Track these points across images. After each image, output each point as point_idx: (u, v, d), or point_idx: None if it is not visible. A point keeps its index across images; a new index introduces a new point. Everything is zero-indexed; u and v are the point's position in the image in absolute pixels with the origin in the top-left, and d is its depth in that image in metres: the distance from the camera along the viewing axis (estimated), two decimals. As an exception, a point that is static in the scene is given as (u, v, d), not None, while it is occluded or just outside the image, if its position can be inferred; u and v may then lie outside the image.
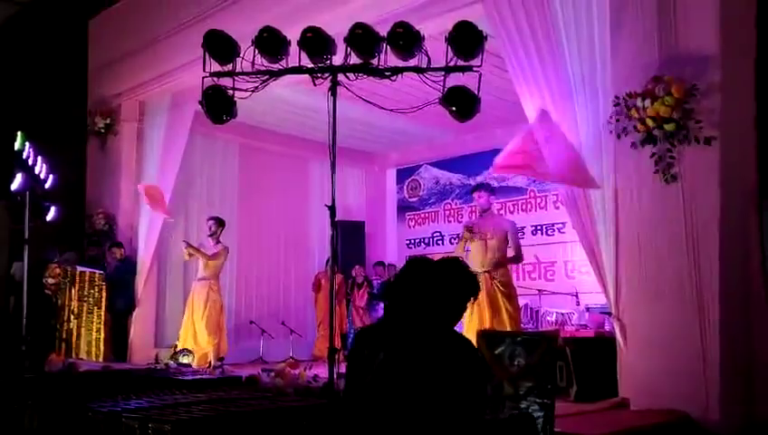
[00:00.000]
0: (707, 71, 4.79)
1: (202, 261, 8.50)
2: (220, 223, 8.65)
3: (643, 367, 5.03)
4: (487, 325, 6.34)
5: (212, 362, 8.00)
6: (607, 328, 6.48)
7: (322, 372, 5.85)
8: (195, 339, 8.26)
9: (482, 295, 6.45)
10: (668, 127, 4.79)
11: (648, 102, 4.86)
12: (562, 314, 8.66)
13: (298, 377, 6.17)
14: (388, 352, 2.23)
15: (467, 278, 2.44)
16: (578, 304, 8.69)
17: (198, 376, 6.80)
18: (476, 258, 6.70)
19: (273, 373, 6.45)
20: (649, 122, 4.84)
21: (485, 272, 6.57)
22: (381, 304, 10.81)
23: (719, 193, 4.76)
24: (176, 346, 8.27)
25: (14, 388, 5.83)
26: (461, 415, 2.16)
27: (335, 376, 4.63)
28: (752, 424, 4.79)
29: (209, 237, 8.62)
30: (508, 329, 6.36)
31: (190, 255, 8.54)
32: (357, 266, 10.81)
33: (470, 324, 6.43)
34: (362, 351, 2.36)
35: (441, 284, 2.34)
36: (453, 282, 2.37)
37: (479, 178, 10.99)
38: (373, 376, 2.21)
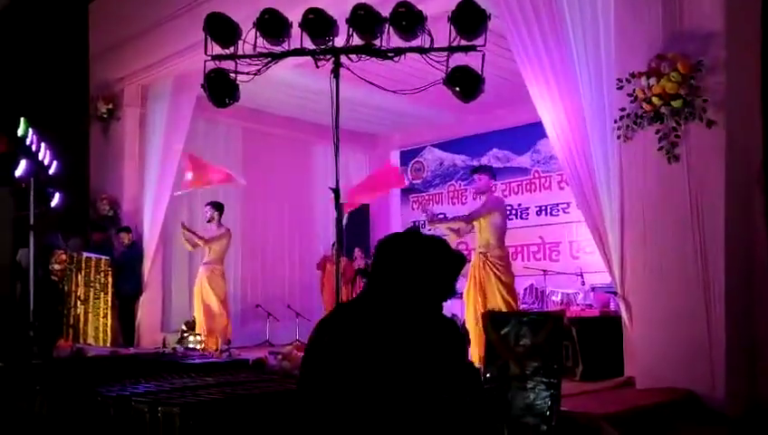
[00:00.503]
0: (712, 48, 4.75)
1: (201, 244, 8.51)
2: (218, 207, 8.64)
3: (648, 346, 5.04)
4: (476, 306, 6.26)
5: (223, 344, 8.05)
6: (612, 308, 6.49)
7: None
8: (207, 321, 8.31)
9: (472, 277, 6.42)
10: (675, 103, 4.76)
11: (653, 81, 4.82)
12: (568, 294, 8.64)
13: (304, 359, 6.19)
14: (361, 336, 1.98)
15: (451, 256, 2.18)
16: (583, 283, 8.69)
17: (206, 360, 6.84)
18: (477, 238, 6.65)
19: (279, 356, 6.48)
20: (655, 100, 4.80)
21: (480, 253, 6.53)
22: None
23: (724, 172, 4.73)
24: (183, 330, 8.30)
25: (22, 374, 5.88)
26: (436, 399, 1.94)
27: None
28: (756, 402, 4.81)
29: (208, 223, 8.64)
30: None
31: (192, 245, 8.53)
32: (357, 249, 10.79)
33: (468, 306, 6.43)
34: (323, 338, 2.07)
35: (423, 260, 2.10)
36: (434, 258, 2.13)
37: (483, 159, 10.97)
38: (343, 362, 1.95)
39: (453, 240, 6.67)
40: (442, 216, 7.04)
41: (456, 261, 2.19)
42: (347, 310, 2.23)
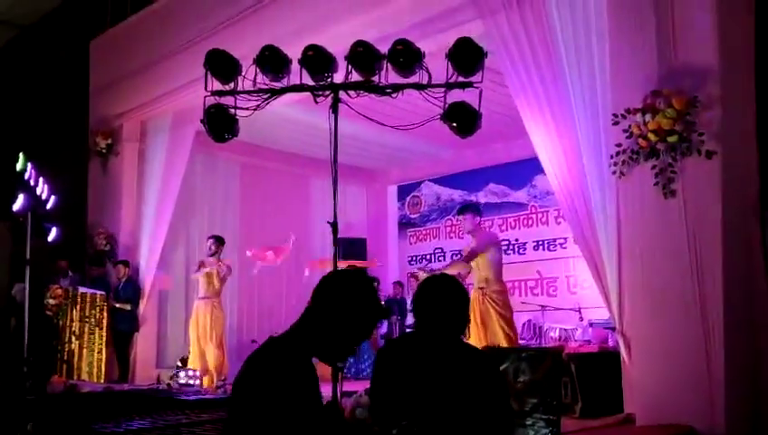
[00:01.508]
0: (707, 83, 4.80)
1: (203, 280, 8.47)
2: (220, 241, 8.64)
3: (648, 382, 5.00)
4: (479, 343, 6.27)
5: (219, 381, 7.97)
6: (610, 343, 6.47)
7: (326, 390, 5.81)
8: (203, 359, 8.22)
9: (475, 313, 6.41)
10: (671, 139, 4.79)
11: (648, 117, 4.86)
12: (566, 329, 8.62)
13: (301, 396, 6.11)
14: (423, 361, 2.60)
15: (465, 292, 2.82)
16: (581, 319, 8.67)
17: (201, 396, 6.76)
18: (474, 275, 6.68)
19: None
20: (651, 136, 4.84)
21: (478, 289, 6.54)
22: (385, 321, 10.83)
23: (721, 206, 4.75)
24: (179, 366, 8.22)
25: (15, 410, 5.80)
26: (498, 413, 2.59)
27: (339, 394, 4.59)
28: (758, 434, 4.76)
29: (210, 257, 8.60)
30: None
31: (209, 275, 8.49)
32: None
33: (469, 341, 6.40)
34: (391, 361, 2.73)
35: (460, 298, 2.72)
36: (464, 295, 2.75)
37: (480, 194, 11.02)
38: (410, 383, 2.57)
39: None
40: (429, 267, 7.04)
41: (467, 296, 2.81)
42: (405, 340, 3.10)
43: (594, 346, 6.61)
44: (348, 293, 2.15)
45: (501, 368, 4.16)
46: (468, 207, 7.23)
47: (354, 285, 2.18)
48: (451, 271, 6.64)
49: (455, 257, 10.73)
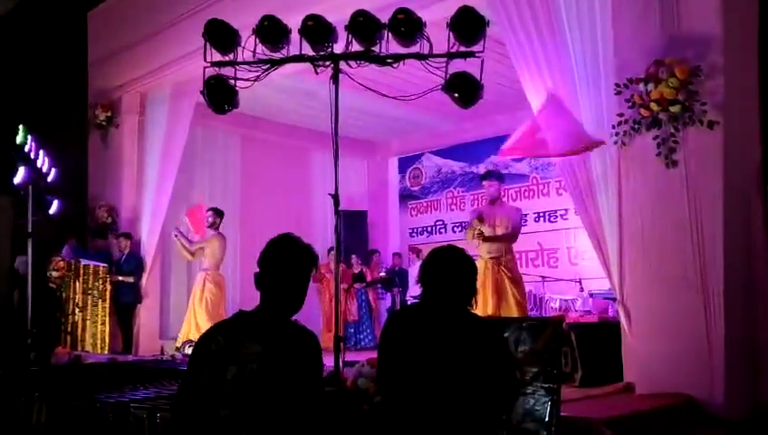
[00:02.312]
0: (710, 53, 4.77)
1: (202, 252, 8.49)
2: (219, 214, 8.64)
3: (648, 351, 5.04)
4: (491, 311, 6.34)
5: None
6: (611, 314, 6.50)
7: (327, 361, 5.86)
8: (197, 329, 8.27)
9: (488, 281, 6.45)
10: (674, 109, 4.77)
11: (651, 87, 4.84)
12: (566, 300, 8.65)
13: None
14: (430, 331, 2.63)
15: (473, 263, 2.80)
16: (581, 290, 8.70)
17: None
18: (484, 245, 6.69)
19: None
20: (654, 106, 4.82)
21: (492, 258, 6.58)
22: (387, 293, 10.88)
23: (722, 176, 4.75)
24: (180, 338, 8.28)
25: (20, 381, 5.86)
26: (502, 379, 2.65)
27: (341, 364, 4.64)
28: (757, 406, 4.81)
29: (208, 229, 8.62)
30: (516, 315, 6.36)
31: (192, 253, 8.51)
32: (354, 256, 10.79)
33: (477, 309, 6.43)
34: (398, 330, 2.75)
35: (467, 269, 2.74)
36: (472, 266, 2.77)
37: (481, 166, 10.99)
38: (416, 353, 2.60)
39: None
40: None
41: (475, 267, 2.81)
42: (412, 310, 3.08)
43: (594, 317, 6.65)
44: (283, 254, 2.44)
45: (502, 338, 4.18)
46: (492, 174, 7.24)
47: (285, 246, 2.46)
48: (501, 241, 6.67)
49: (456, 229, 10.77)
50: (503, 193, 10.57)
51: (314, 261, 2.54)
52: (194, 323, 8.32)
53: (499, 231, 6.71)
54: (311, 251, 2.49)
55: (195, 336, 8.18)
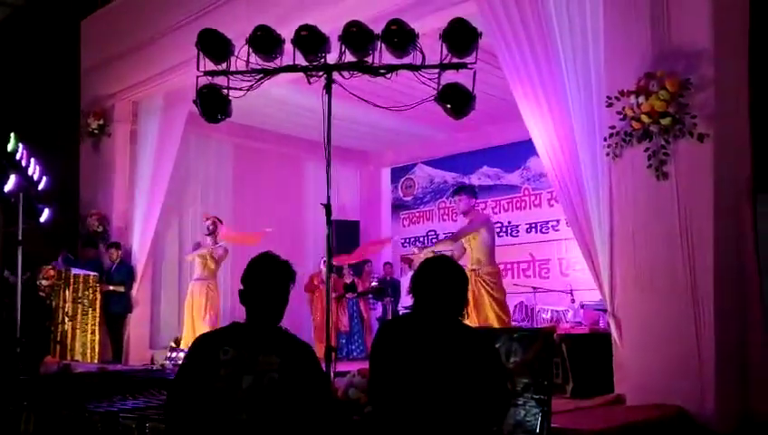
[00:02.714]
0: (700, 65, 4.81)
1: (199, 261, 8.47)
2: (219, 222, 8.65)
3: (638, 363, 5.05)
4: (474, 325, 6.29)
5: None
6: (602, 325, 6.51)
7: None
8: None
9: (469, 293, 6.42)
10: (665, 121, 4.81)
11: (642, 99, 4.88)
12: (557, 311, 8.68)
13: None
14: (422, 341, 2.62)
15: (465, 274, 2.83)
16: (573, 301, 8.72)
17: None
18: (468, 257, 6.69)
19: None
20: (645, 118, 4.85)
21: (471, 270, 6.55)
22: (379, 303, 10.87)
23: (713, 188, 4.78)
24: (172, 347, 8.24)
25: (9, 390, 5.81)
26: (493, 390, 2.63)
27: (332, 375, 4.62)
28: (747, 418, 4.82)
29: (207, 236, 8.60)
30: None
31: (203, 256, 8.49)
32: (345, 266, 10.78)
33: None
34: (389, 341, 2.74)
35: (459, 279, 2.75)
36: (463, 277, 2.78)
37: (473, 177, 11.03)
38: (408, 363, 2.59)
39: None
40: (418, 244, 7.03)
41: (467, 278, 2.83)
42: (404, 321, 3.08)
43: (585, 328, 6.66)
44: (264, 271, 2.68)
45: (493, 348, 4.18)
46: (464, 189, 7.23)
47: (265, 264, 2.70)
48: (440, 247, 6.68)
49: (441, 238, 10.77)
50: (494, 204, 10.72)
51: (292, 276, 2.74)
52: (193, 333, 8.26)
53: (473, 242, 6.67)
54: (289, 267, 2.73)
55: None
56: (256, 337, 2.58)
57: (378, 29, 4.73)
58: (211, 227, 8.49)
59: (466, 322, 6.09)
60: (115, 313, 8.97)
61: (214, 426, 2.44)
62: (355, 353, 10.32)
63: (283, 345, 2.60)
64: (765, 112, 5.18)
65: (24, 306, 7.41)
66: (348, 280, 10.72)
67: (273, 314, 2.66)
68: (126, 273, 8.99)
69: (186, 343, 8.25)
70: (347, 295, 10.59)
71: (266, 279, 2.65)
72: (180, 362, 7.72)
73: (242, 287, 2.65)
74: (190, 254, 8.83)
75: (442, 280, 2.71)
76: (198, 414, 2.47)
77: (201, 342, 2.67)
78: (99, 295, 8.77)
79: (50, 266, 8.56)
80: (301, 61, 4.86)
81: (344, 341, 10.50)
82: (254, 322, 2.64)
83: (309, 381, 2.57)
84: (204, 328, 8.18)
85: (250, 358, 2.51)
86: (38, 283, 8.53)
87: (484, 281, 6.48)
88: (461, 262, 6.86)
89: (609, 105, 5.10)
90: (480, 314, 6.39)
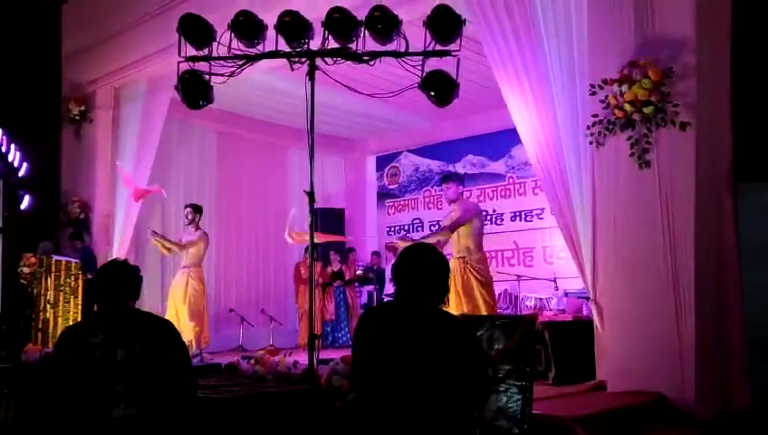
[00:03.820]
0: (683, 54, 4.83)
1: (176, 249, 8.40)
2: (197, 210, 8.54)
3: (620, 350, 5.09)
4: (455, 311, 6.29)
5: (196, 349, 7.96)
6: (585, 313, 6.55)
7: (303, 358, 5.85)
8: (180, 325, 8.18)
9: (453, 281, 6.42)
10: (647, 110, 4.83)
11: (625, 88, 4.89)
12: (541, 299, 8.72)
13: (278, 363, 6.15)
14: (403, 328, 2.64)
15: (446, 261, 2.84)
16: (556, 289, 8.77)
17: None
18: (453, 244, 6.68)
19: (252, 360, 6.42)
20: (627, 107, 4.87)
21: (459, 258, 6.56)
22: (365, 288, 10.89)
23: (694, 177, 4.81)
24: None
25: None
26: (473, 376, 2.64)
27: (315, 362, 4.62)
28: (727, 405, 4.88)
29: (188, 226, 8.53)
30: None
31: (166, 248, 8.42)
32: (332, 253, 10.78)
33: (449, 309, 6.41)
34: (371, 328, 2.75)
35: (440, 267, 2.75)
36: (444, 264, 2.78)
37: (458, 165, 11.04)
38: (389, 350, 2.61)
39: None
40: (408, 236, 6.94)
41: (448, 266, 2.83)
42: (385, 308, 3.11)
43: (569, 315, 6.69)
44: (111, 277, 3.16)
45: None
46: (451, 176, 7.21)
47: (112, 271, 3.19)
48: (431, 240, 6.63)
49: (433, 228, 10.78)
50: (479, 192, 10.74)
51: (139, 280, 3.20)
52: (175, 319, 8.21)
53: (462, 230, 6.60)
54: (136, 272, 3.22)
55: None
56: (119, 319, 3.00)
57: (361, 15, 4.70)
58: (189, 217, 8.41)
59: (452, 309, 6.14)
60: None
61: (93, 400, 2.80)
62: (342, 341, 10.34)
63: (147, 320, 3.05)
64: (747, 101, 5.22)
65: (4, 294, 7.34)
66: (335, 268, 10.72)
67: (123, 303, 3.08)
68: (89, 260, 8.88)
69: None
70: (333, 284, 10.60)
71: (115, 283, 3.09)
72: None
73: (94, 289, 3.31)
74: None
75: (423, 268, 2.72)
76: (77, 392, 2.84)
77: (69, 332, 3.10)
78: (81, 283, 8.68)
79: (31, 254, 8.46)
80: (284, 47, 4.82)
81: (330, 329, 10.52)
82: (113, 309, 3.05)
83: (173, 348, 3.00)
84: (183, 316, 8.13)
85: (120, 335, 2.90)
86: (19, 270, 8.44)
87: (473, 268, 6.49)
88: (445, 250, 6.89)
89: (593, 93, 5.11)
90: (469, 300, 6.41)
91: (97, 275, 3.21)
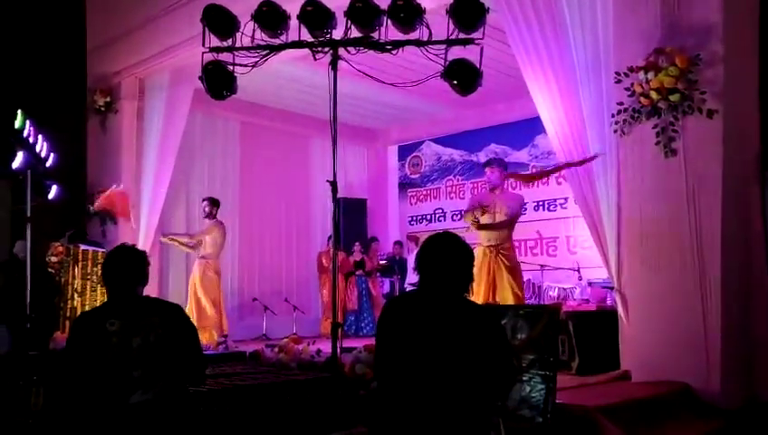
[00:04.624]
0: (710, 41, 4.76)
1: (188, 241, 8.52)
2: (215, 203, 8.64)
3: (644, 339, 5.06)
4: (482, 300, 6.28)
5: (220, 337, 8.07)
6: (609, 302, 6.50)
7: (326, 347, 5.89)
8: (199, 316, 8.29)
9: (484, 269, 6.42)
10: (673, 98, 4.77)
11: (651, 75, 4.84)
12: (564, 289, 8.67)
13: (301, 352, 6.20)
14: (427, 317, 2.64)
15: (470, 250, 2.78)
16: (580, 278, 8.71)
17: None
18: (484, 233, 6.66)
19: (276, 349, 6.48)
20: (653, 95, 4.82)
21: (490, 246, 6.55)
22: (386, 280, 10.92)
23: (721, 166, 4.75)
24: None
25: (19, 365, 5.88)
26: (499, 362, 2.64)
27: (338, 350, 4.65)
28: (752, 395, 4.83)
29: (205, 219, 8.62)
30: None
31: (191, 247, 8.53)
32: (356, 244, 10.83)
33: (477, 298, 6.41)
34: (395, 317, 2.74)
35: (464, 256, 2.72)
36: (468, 253, 2.74)
37: (481, 154, 10.97)
38: (413, 339, 2.61)
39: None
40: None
41: (472, 254, 2.78)
42: (409, 297, 3.06)
43: (592, 305, 6.65)
44: (120, 262, 3.16)
45: (499, 325, 4.19)
46: (496, 160, 7.17)
47: (121, 256, 3.20)
48: (496, 227, 6.58)
49: (455, 218, 10.76)
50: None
51: (147, 266, 3.20)
52: (195, 310, 8.32)
53: (498, 218, 6.64)
54: (144, 257, 3.20)
55: (199, 323, 8.20)
56: (133, 306, 3.03)
57: (384, 4, 4.69)
58: (207, 210, 8.52)
59: (481, 297, 6.11)
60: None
61: (111, 387, 2.86)
62: (366, 331, 10.38)
63: (158, 307, 3.10)
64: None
65: (33, 283, 7.45)
66: (357, 258, 10.76)
67: (134, 289, 3.09)
68: None
69: (194, 320, 8.27)
70: (356, 273, 10.64)
71: (124, 267, 3.10)
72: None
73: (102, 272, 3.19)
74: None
75: (447, 257, 2.71)
76: (95, 380, 2.89)
77: (84, 319, 3.15)
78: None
79: (58, 243, 8.59)
80: (306, 37, 4.82)
81: (353, 318, 10.57)
82: (125, 296, 3.06)
83: (185, 332, 3.06)
84: (206, 306, 8.24)
85: (135, 323, 2.94)
86: (47, 259, 8.57)
87: (504, 257, 6.50)
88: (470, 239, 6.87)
89: (618, 81, 5.06)
90: (498, 289, 6.41)
91: (107, 262, 3.20)
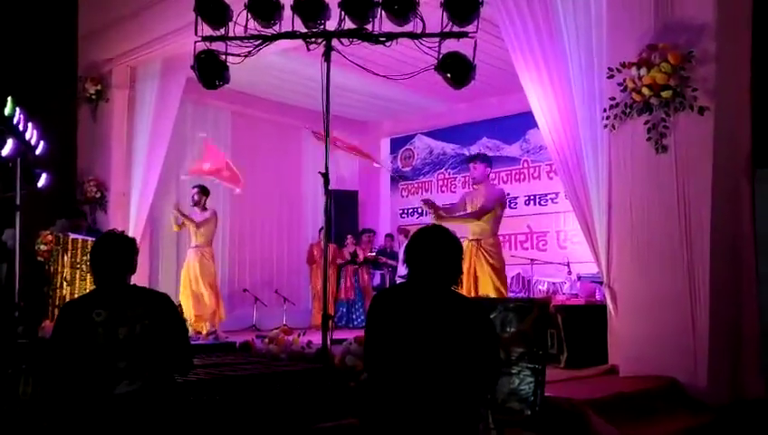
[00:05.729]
0: (703, 39, 4.77)
1: (192, 229, 8.49)
2: (204, 191, 8.63)
3: (633, 334, 5.09)
4: (469, 293, 6.29)
5: (211, 327, 8.06)
6: (598, 297, 6.54)
7: (316, 338, 5.89)
8: (195, 306, 8.28)
9: (465, 263, 6.39)
10: (665, 94, 4.79)
11: (643, 71, 4.85)
12: (554, 283, 8.72)
13: (291, 343, 6.21)
14: (416, 310, 2.65)
15: (458, 243, 2.82)
16: (569, 273, 8.75)
17: (192, 342, 6.83)
18: (469, 227, 6.65)
19: (266, 339, 6.48)
20: (645, 91, 4.83)
21: (472, 241, 6.55)
22: (378, 272, 10.95)
23: (712, 163, 4.78)
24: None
25: (8, 354, 5.85)
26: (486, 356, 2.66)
27: (329, 342, 4.66)
28: (739, 391, 4.87)
29: (194, 207, 8.61)
30: (492, 298, 6.32)
31: (179, 225, 8.51)
32: (349, 236, 10.85)
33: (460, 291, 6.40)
34: (384, 309, 2.74)
35: (453, 248, 2.73)
36: (457, 246, 2.76)
37: (473, 148, 10.99)
38: (402, 331, 2.63)
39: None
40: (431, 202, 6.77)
41: (461, 247, 2.80)
42: (398, 289, 3.08)
43: (581, 299, 6.69)
44: (110, 249, 3.13)
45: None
46: (480, 156, 7.17)
47: (110, 242, 3.16)
48: (455, 223, 6.51)
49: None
50: (493, 176, 10.69)
51: (136, 253, 3.17)
52: (191, 301, 8.30)
53: (470, 209, 6.59)
54: (133, 244, 3.17)
55: (191, 314, 8.19)
56: (120, 296, 3.00)
57: (378, -4, 4.67)
58: (195, 198, 8.51)
59: (461, 291, 6.11)
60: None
61: (96, 377, 2.86)
62: (356, 322, 10.41)
63: (146, 297, 3.07)
64: (766, 88, 5.15)
65: (22, 271, 7.41)
66: (351, 250, 10.77)
67: (123, 278, 3.07)
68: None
69: (186, 310, 8.27)
70: (348, 265, 10.66)
71: (113, 255, 3.06)
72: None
73: (91, 261, 3.14)
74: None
75: (436, 249, 2.72)
76: (80, 369, 2.88)
77: (70, 307, 3.13)
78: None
79: (48, 231, 8.55)
80: (300, 27, 4.81)
81: (345, 309, 10.59)
82: (113, 284, 3.04)
83: (172, 323, 3.05)
84: (205, 294, 8.24)
85: (121, 314, 2.92)
86: (36, 248, 8.52)
87: (486, 252, 6.46)
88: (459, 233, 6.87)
89: (611, 76, 5.07)
90: (479, 283, 6.40)
91: (94, 249, 3.14)
